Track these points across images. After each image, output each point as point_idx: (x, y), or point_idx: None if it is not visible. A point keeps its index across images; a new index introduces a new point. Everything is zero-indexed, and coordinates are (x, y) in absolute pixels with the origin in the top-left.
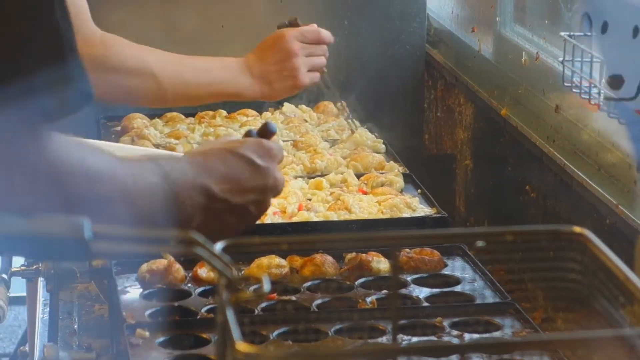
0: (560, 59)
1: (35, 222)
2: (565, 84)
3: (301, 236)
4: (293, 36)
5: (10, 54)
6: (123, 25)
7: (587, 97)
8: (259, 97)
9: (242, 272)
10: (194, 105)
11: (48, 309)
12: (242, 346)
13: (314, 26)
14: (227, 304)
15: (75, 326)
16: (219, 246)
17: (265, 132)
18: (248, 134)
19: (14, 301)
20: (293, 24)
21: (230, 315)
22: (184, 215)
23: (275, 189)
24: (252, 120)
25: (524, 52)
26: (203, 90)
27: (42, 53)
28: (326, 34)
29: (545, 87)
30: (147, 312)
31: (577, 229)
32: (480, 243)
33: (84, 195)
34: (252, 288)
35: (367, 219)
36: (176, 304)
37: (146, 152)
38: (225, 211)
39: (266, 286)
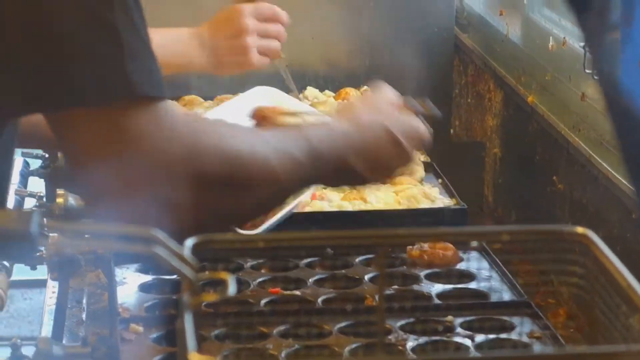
0: (583, 43)
1: None
2: (587, 71)
3: (278, 234)
4: (247, 12)
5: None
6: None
7: None
8: (208, 69)
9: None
10: None
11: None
12: (195, 357)
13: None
14: (186, 308)
15: (83, 315)
16: (188, 243)
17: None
18: (407, 101)
19: (32, 284)
20: (249, 0)
21: (189, 321)
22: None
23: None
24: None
25: (551, 37)
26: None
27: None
28: (282, 14)
29: (572, 74)
30: (143, 305)
31: (580, 230)
32: (474, 243)
33: (223, 175)
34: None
35: (381, 209)
36: (175, 296)
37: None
38: (356, 182)
39: (232, 288)
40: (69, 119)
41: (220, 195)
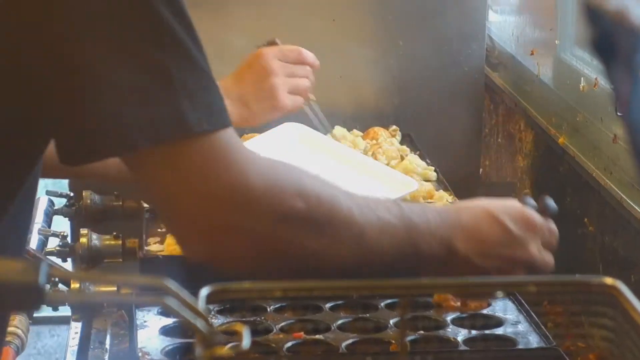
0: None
1: None
2: (618, 114)
3: (297, 282)
4: (272, 55)
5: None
6: None
7: None
8: (237, 121)
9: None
10: None
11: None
12: None
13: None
14: None
15: (106, 357)
16: (202, 293)
17: (545, 209)
18: (523, 200)
19: (59, 320)
20: (272, 44)
21: None
22: (416, 264)
23: (530, 264)
24: None
25: (582, 78)
26: None
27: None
28: (309, 55)
29: (604, 116)
30: (163, 349)
31: (609, 281)
32: (500, 294)
33: (303, 211)
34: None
35: None
36: (194, 340)
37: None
38: (463, 271)
39: (246, 341)
40: (136, 162)
41: (302, 236)
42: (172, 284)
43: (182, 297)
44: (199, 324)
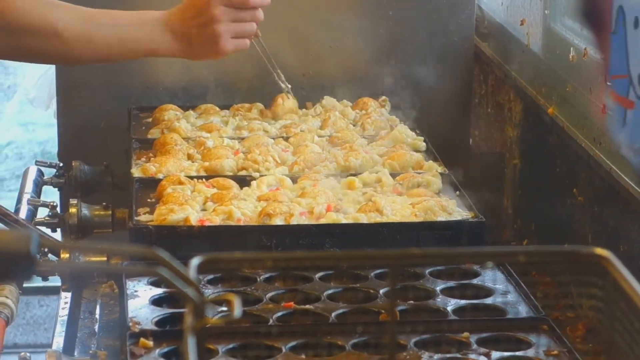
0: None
1: None
2: (608, 83)
3: (287, 253)
4: (217, 0)
5: None
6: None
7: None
8: (179, 55)
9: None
10: (107, 62)
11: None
12: None
13: None
14: (189, 331)
15: (96, 327)
16: (193, 263)
17: None
18: None
19: (49, 291)
20: None
21: (191, 344)
22: None
23: None
24: (291, 122)
25: (572, 48)
26: (114, 49)
27: None
28: None
29: (593, 86)
30: (154, 319)
31: (598, 251)
32: (490, 264)
33: None
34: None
35: (397, 222)
36: (185, 310)
37: None
38: None
39: (237, 311)
40: None
41: None
42: (163, 254)
43: (174, 267)
44: (191, 293)
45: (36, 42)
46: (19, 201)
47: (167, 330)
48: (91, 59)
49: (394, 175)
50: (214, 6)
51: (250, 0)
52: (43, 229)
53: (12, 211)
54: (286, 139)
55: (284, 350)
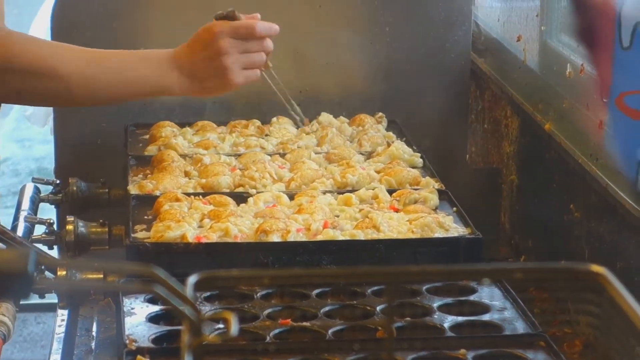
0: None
1: None
2: (604, 99)
3: (285, 270)
4: (222, 32)
5: None
6: (165, 32)
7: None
8: (188, 93)
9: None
10: (113, 104)
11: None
12: None
13: (256, 17)
14: (187, 348)
15: (93, 344)
16: (190, 281)
17: None
18: None
19: (45, 308)
20: (230, 16)
21: None
22: None
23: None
24: (288, 139)
25: (568, 64)
26: (119, 90)
27: None
28: (263, 28)
29: (589, 102)
30: (151, 337)
31: (596, 268)
32: (487, 281)
33: None
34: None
35: (394, 238)
36: (182, 327)
37: None
38: None
39: (234, 329)
40: None
41: None
42: (160, 272)
43: (171, 285)
44: (187, 311)
45: (40, 85)
46: (15, 218)
47: (164, 348)
48: (97, 102)
49: (390, 191)
50: (221, 38)
51: (257, 30)
52: (40, 246)
53: (9, 228)
54: (283, 155)
55: None
